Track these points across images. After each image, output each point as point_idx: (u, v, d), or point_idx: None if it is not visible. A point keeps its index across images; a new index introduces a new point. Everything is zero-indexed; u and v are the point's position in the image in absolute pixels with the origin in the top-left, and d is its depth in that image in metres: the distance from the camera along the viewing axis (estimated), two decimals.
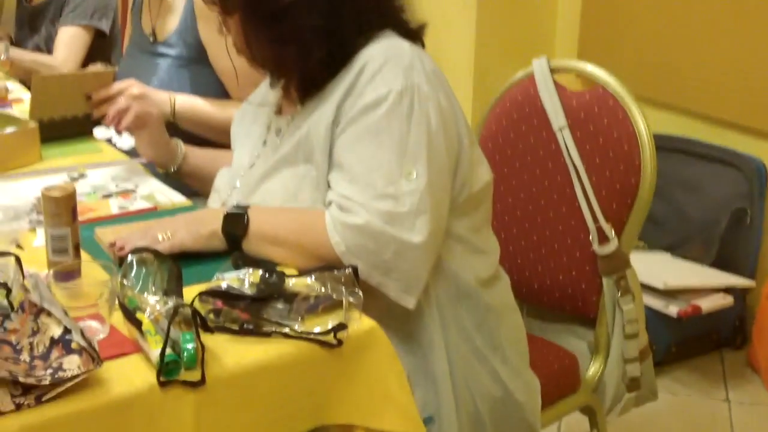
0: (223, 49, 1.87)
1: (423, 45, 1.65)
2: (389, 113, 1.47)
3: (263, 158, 1.67)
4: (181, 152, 1.95)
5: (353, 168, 1.47)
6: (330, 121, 1.52)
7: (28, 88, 2.61)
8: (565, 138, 1.89)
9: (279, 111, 1.71)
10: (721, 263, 2.96)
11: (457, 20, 3.12)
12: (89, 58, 2.81)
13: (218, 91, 2.21)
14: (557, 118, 1.90)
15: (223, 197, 1.72)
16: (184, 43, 2.18)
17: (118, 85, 2.05)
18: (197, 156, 1.98)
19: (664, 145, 2.90)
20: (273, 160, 1.61)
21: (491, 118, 2.05)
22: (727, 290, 2.90)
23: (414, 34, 1.64)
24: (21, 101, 2.45)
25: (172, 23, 2.21)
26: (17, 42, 2.92)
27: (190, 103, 2.14)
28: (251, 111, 1.78)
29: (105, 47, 2.87)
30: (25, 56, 2.60)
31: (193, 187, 1.96)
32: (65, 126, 2.09)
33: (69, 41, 2.73)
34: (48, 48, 2.86)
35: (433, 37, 1.71)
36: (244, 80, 2.03)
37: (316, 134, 1.53)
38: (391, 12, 1.63)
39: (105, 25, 2.81)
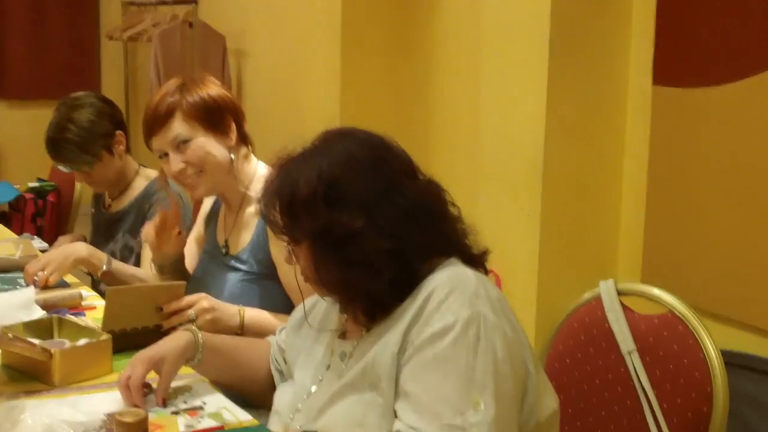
0: (291, 268, 1.92)
1: (486, 271, 1.67)
2: (456, 343, 1.48)
3: (327, 382, 1.67)
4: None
5: (419, 398, 1.46)
6: (396, 349, 1.53)
7: (101, 294, 2.69)
8: (634, 363, 1.87)
9: (343, 335, 1.72)
10: None
11: (520, 239, 3.16)
12: None
13: (287, 305, 2.25)
14: (625, 342, 1.89)
15: (284, 419, 1.72)
16: (255, 260, 2.24)
17: (188, 299, 2.11)
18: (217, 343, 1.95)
19: (730, 361, 2.84)
20: (338, 385, 1.61)
21: (558, 338, 2.04)
22: None
23: (477, 260, 1.66)
24: (94, 308, 2.50)
25: (245, 239, 2.28)
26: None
27: (259, 318, 2.18)
28: (312, 333, 1.79)
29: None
30: (125, 270, 2.68)
31: (206, 374, 1.93)
32: (136, 337, 2.13)
33: None
34: (123, 256, 2.94)
35: (498, 256, 1.73)
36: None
37: (382, 362, 1.53)
38: (456, 237, 1.66)
39: (185, 230, 2.90)
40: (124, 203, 3.04)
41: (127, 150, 3.06)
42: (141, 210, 2.96)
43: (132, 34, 6.58)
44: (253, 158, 2.37)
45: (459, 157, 3.94)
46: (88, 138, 2.93)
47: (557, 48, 3.11)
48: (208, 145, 2.24)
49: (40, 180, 4.31)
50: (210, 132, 2.23)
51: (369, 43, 4.50)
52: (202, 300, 2.10)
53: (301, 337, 1.81)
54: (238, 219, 2.32)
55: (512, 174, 3.26)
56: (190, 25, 6.05)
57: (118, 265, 2.68)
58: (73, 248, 2.68)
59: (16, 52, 7.16)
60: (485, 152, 3.43)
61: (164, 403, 1.80)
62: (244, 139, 2.32)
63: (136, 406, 1.72)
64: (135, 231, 2.96)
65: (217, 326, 2.12)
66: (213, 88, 2.27)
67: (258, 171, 2.36)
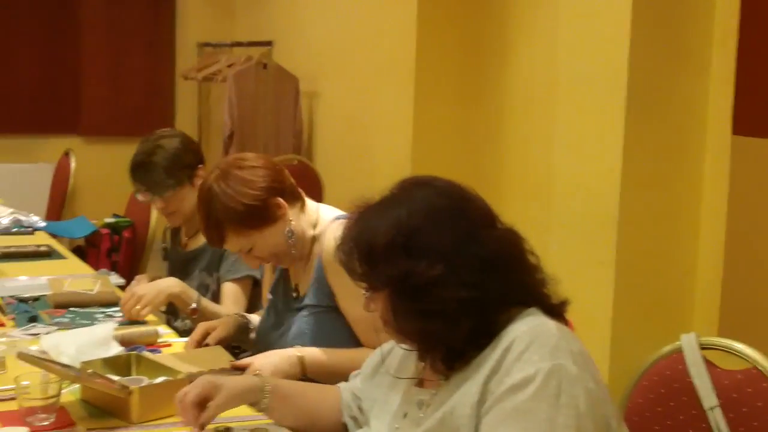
0: (353, 300, 1.93)
1: (566, 322, 1.66)
2: (536, 395, 1.46)
3: (404, 431, 1.66)
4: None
5: None
6: (476, 399, 1.52)
7: (177, 332, 2.73)
8: (717, 419, 1.83)
9: (420, 382, 1.71)
10: None
11: (594, 290, 3.13)
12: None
13: (350, 337, 2.27)
14: (708, 397, 1.85)
15: None
16: (317, 294, 2.28)
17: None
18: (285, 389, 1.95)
19: None
20: None
21: (637, 391, 2.01)
22: None
23: (557, 311, 1.65)
24: (169, 345, 2.53)
25: (309, 277, 2.31)
26: None
27: (320, 359, 2.21)
28: (389, 378, 1.78)
29: (256, 292, 2.98)
30: (211, 307, 2.72)
31: (275, 419, 1.93)
32: None
33: (233, 296, 2.89)
34: (198, 294, 2.98)
35: (570, 306, 1.71)
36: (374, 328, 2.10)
37: (461, 412, 1.53)
38: (535, 286, 1.65)
39: (259, 273, 2.93)
40: (199, 242, 3.08)
41: None
42: (216, 250, 2.99)
43: (207, 74, 6.70)
44: (308, 205, 2.40)
45: (531, 205, 3.93)
46: (174, 163, 3.00)
47: (634, 98, 3.10)
48: (270, 240, 2.30)
49: (115, 216, 4.38)
50: (265, 227, 2.28)
51: (441, 89, 4.53)
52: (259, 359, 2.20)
53: (376, 384, 1.80)
54: (307, 264, 2.36)
55: (586, 224, 3.24)
56: (265, 66, 6.14)
57: (205, 302, 2.72)
58: (167, 283, 2.72)
59: (95, 91, 7.34)
60: (558, 201, 3.41)
61: (201, 429, 1.80)
62: (295, 198, 2.35)
63: None
64: (210, 269, 2.99)
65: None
66: (244, 184, 2.27)
67: (320, 215, 2.40)
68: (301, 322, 2.32)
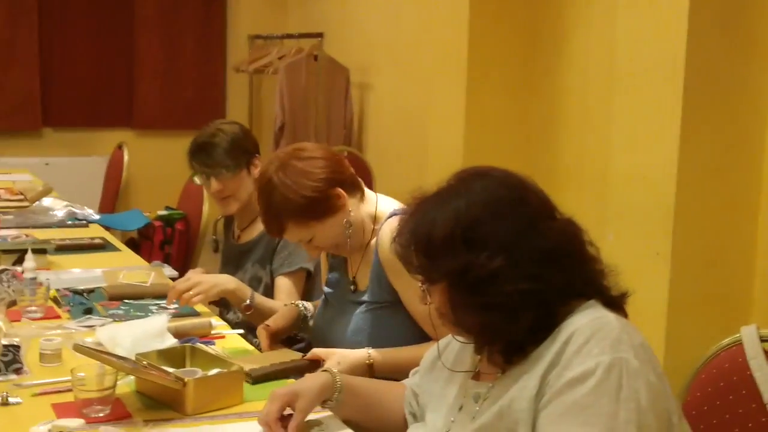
0: (416, 296, 1.91)
1: (626, 314, 1.62)
2: (597, 389, 1.43)
3: (460, 424, 1.64)
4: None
5: None
6: (534, 393, 1.49)
7: (229, 324, 2.73)
8: None
9: (477, 375, 1.69)
10: None
11: (650, 281, 3.08)
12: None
13: (412, 332, 2.25)
14: None
15: None
16: (377, 289, 2.25)
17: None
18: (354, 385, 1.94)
19: None
20: (472, 427, 1.58)
21: (696, 384, 1.96)
22: None
23: (617, 303, 1.62)
24: (223, 337, 2.53)
25: (369, 272, 2.30)
26: None
27: (385, 357, 2.20)
28: (445, 373, 1.76)
29: (310, 284, 2.98)
30: (265, 303, 2.72)
31: (341, 415, 1.92)
32: (275, 374, 2.19)
33: (287, 290, 2.89)
34: (251, 286, 2.98)
35: (629, 305, 1.68)
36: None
37: (519, 406, 1.50)
38: (595, 278, 1.62)
39: (312, 265, 2.93)
40: (252, 234, 3.08)
41: None
42: (270, 242, 2.99)
43: (258, 66, 6.72)
44: (368, 196, 2.38)
45: (586, 196, 3.89)
46: (235, 145, 3.03)
47: (692, 88, 3.04)
48: (330, 231, 2.29)
49: (168, 208, 4.41)
50: (325, 218, 2.27)
51: (495, 79, 4.48)
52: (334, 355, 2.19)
53: (433, 378, 1.78)
54: (366, 255, 2.34)
55: (643, 214, 3.19)
56: (315, 58, 6.14)
57: (260, 299, 2.71)
58: (222, 279, 2.71)
59: (148, 84, 7.40)
60: (615, 191, 3.36)
61: None
62: (354, 188, 2.33)
63: None
64: (264, 262, 2.99)
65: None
66: (305, 176, 2.26)
67: (379, 206, 2.38)
68: (358, 318, 2.30)
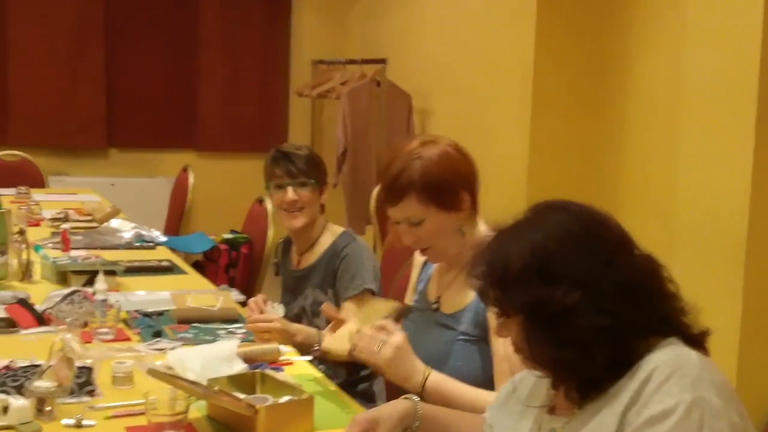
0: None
1: (707, 353, 1.60)
2: (677, 428, 1.41)
3: None
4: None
5: None
6: (612, 430, 1.47)
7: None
8: None
9: (552, 410, 1.67)
10: None
11: (719, 317, 3.02)
12: None
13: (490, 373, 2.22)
14: None
15: None
16: (473, 322, 2.21)
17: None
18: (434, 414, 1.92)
19: None
20: None
21: None
22: None
23: (697, 341, 1.59)
24: (291, 364, 2.54)
25: (464, 299, 2.25)
26: (285, 305, 3.07)
27: (443, 385, 2.14)
28: (520, 405, 1.75)
29: None
30: (333, 345, 2.68)
31: None
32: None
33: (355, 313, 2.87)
34: (312, 311, 2.99)
35: None
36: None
37: None
38: (674, 315, 1.60)
39: (375, 286, 2.94)
40: (311, 260, 3.10)
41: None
42: (330, 266, 3.01)
43: (321, 91, 6.78)
44: (480, 223, 2.35)
45: (652, 223, 3.84)
46: (317, 161, 3.10)
47: (765, 114, 2.99)
48: (439, 225, 2.24)
49: (234, 231, 4.46)
50: (443, 210, 2.23)
51: (559, 103, 4.47)
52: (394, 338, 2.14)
53: (507, 412, 1.77)
54: (458, 279, 2.30)
55: (712, 246, 3.13)
56: (378, 83, 6.17)
57: (327, 342, 2.64)
58: (293, 331, 2.74)
59: (211, 107, 7.49)
60: (681, 220, 3.32)
61: None
62: (475, 208, 2.31)
63: None
64: (324, 286, 3.01)
65: (397, 374, 2.12)
66: (450, 163, 2.25)
67: (480, 233, 2.35)
68: (447, 345, 2.25)
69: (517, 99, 4.56)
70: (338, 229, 3.14)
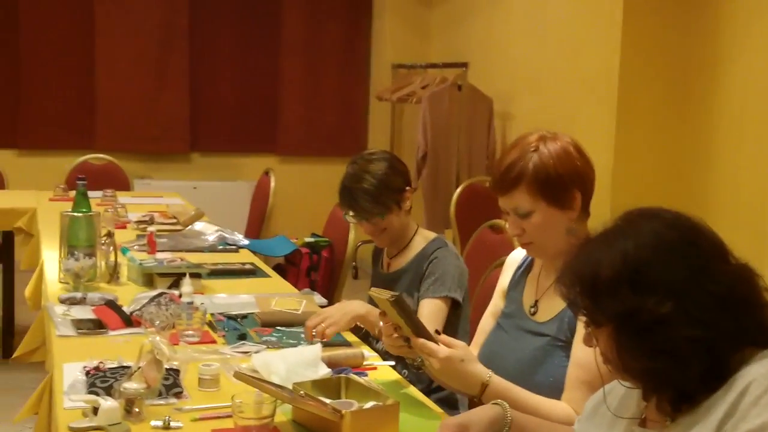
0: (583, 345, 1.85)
1: None
2: None
3: None
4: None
5: None
6: None
7: (379, 354, 2.74)
8: None
9: (643, 422, 1.64)
10: None
11: None
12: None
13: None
14: None
15: None
16: (566, 327, 2.18)
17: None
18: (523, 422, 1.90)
19: None
20: None
21: None
22: None
23: None
24: (375, 369, 2.54)
25: (558, 306, 2.22)
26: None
27: (505, 392, 2.09)
28: (609, 417, 1.72)
29: (453, 314, 2.96)
30: None
31: None
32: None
33: (431, 314, 2.86)
34: None
35: None
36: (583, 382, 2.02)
37: None
38: None
39: (459, 295, 2.92)
40: (401, 263, 3.10)
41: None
42: (418, 269, 3.00)
43: (401, 95, 6.78)
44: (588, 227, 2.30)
45: (743, 233, 3.76)
46: (382, 189, 3.02)
47: None
48: (546, 221, 2.21)
49: (315, 235, 4.48)
50: (553, 206, 2.20)
51: (646, 108, 4.40)
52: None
53: (595, 424, 1.74)
54: (553, 287, 2.26)
55: None
56: (459, 87, 6.16)
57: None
58: (352, 305, 2.75)
59: (292, 112, 7.57)
60: None
61: None
62: (586, 211, 2.27)
63: None
64: (412, 290, 3.00)
65: (450, 383, 2.12)
66: (567, 160, 2.21)
67: None
68: (538, 351, 2.21)
69: (602, 103, 4.50)
70: (430, 235, 3.13)
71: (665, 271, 1.51)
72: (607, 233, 1.61)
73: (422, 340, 2.13)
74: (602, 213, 1.91)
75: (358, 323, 2.79)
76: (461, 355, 2.12)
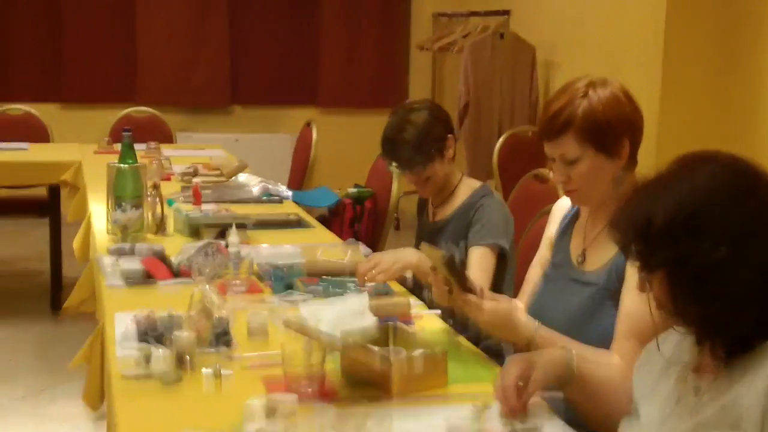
0: (635, 291, 1.84)
1: None
2: None
3: (677, 417, 1.58)
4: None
5: None
6: (764, 392, 1.42)
7: (426, 303, 2.73)
8: None
9: (697, 368, 1.62)
10: None
11: None
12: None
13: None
14: None
15: None
16: (615, 276, 2.15)
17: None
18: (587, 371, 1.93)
19: None
20: (691, 422, 1.52)
21: None
22: None
23: None
24: (421, 317, 2.54)
25: (606, 255, 2.20)
26: None
27: (552, 342, 2.08)
28: (661, 363, 1.70)
29: (500, 265, 2.95)
30: None
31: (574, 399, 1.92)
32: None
33: (480, 262, 2.85)
34: None
35: None
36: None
37: (746, 402, 1.44)
38: None
39: (506, 243, 2.91)
40: (447, 212, 3.09)
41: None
42: (464, 218, 2.99)
43: (442, 45, 6.73)
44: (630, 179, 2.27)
45: None
46: (423, 139, 3.00)
47: None
48: (594, 168, 2.17)
49: (357, 186, 4.47)
50: (600, 153, 2.16)
51: (692, 56, 4.32)
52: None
53: (647, 371, 1.72)
54: (601, 234, 2.21)
55: None
56: (501, 36, 6.09)
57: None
58: (404, 253, 2.74)
59: (332, 63, 7.54)
60: None
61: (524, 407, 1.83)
62: (633, 160, 2.23)
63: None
64: (457, 238, 2.99)
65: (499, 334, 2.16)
66: (617, 106, 2.17)
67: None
68: (588, 302, 2.18)
69: (648, 50, 4.43)
70: (475, 183, 3.11)
71: (721, 216, 1.49)
72: (662, 177, 1.59)
73: (468, 295, 2.13)
74: (648, 162, 1.88)
75: (406, 274, 2.79)
76: (506, 307, 2.13)
